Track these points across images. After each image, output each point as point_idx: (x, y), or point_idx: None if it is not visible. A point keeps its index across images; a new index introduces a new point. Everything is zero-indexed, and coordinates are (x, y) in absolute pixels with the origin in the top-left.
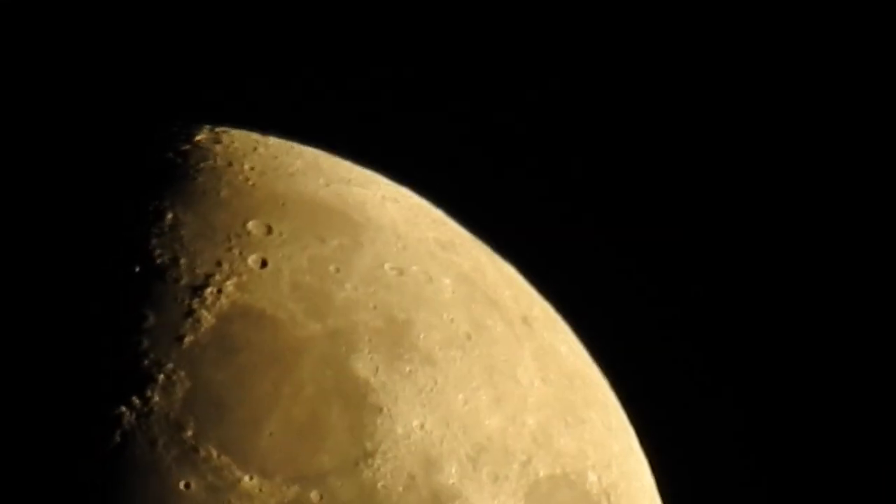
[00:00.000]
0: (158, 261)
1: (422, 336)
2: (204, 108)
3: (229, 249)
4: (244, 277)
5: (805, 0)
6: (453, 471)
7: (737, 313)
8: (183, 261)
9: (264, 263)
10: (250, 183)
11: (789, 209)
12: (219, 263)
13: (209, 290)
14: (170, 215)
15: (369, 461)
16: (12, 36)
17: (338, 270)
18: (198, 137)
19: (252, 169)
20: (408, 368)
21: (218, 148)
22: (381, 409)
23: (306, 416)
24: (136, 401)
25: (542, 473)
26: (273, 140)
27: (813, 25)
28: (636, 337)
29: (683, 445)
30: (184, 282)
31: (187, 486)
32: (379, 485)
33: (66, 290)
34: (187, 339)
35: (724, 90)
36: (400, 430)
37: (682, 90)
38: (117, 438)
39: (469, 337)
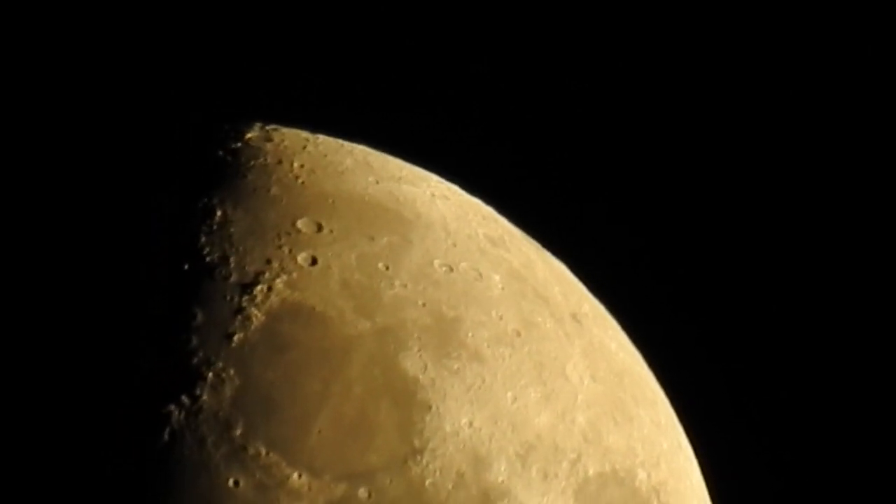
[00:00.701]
0: (208, 259)
1: (471, 333)
2: (255, 105)
3: (279, 247)
4: (294, 275)
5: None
6: (502, 468)
7: (792, 312)
8: (233, 259)
9: (314, 261)
10: (300, 181)
11: (842, 211)
12: (268, 261)
13: (259, 287)
14: (220, 213)
15: (418, 459)
16: (63, 33)
17: (387, 268)
18: (248, 135)
19: (302, 167)
20: (456, 366)
21: (268, 146)
22: (429, 407)
23: (355, 413)
24: (185, 399)
25: (591, 471)
26: (323, 138)
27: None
28: (685, 334)
29: (732, 443)
30: (233, 279)
31: (236, 483)
32: (427, 482)
33: (115, 288)
34: (237, 337)
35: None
36: (448, 428)
37: (739, 89)
38: (166, 437)
39: (518, 334)
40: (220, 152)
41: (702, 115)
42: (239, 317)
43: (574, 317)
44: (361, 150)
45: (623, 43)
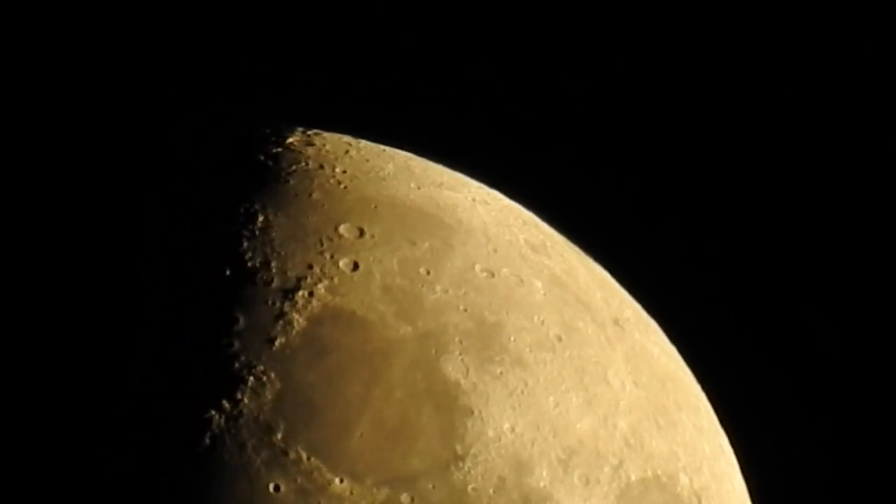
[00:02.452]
0: (249, 264)
1: (512, 338)
2: (297, 110)
3: (321, 252)
4: (335, 280)
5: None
6: (544, 474)
7: (833, 315)
8: (274, 263)
9: (356, 266)
10: (342, 186)
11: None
12: (310, 266)
13: (300, 293)
14: (261, 218)
15: (460, 464)
16: (101, 34)
17: (428, 273)
18: (290, 140)
19: (344, 172)
20: (498, 370)
21: (310, 150)
22: (471, 412)
23: (397, 418)
24: (225, 404)
25: (633, 476)
26: (365, 143)
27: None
28: (728, 338)
29: (775, 448)
30: (275, 284)
31: (277, 488)
32: (469, 487)
33: (157, 292)
34: (278, 342)
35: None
36: (490, 433)
37: (766, 91)
38: (207, 441)
39: (560, 339)
40: (262, 157)
41: (743, 115)
42: (280, 321)
43: (616, 322)
44: (403, 156)
45: (654, 41)
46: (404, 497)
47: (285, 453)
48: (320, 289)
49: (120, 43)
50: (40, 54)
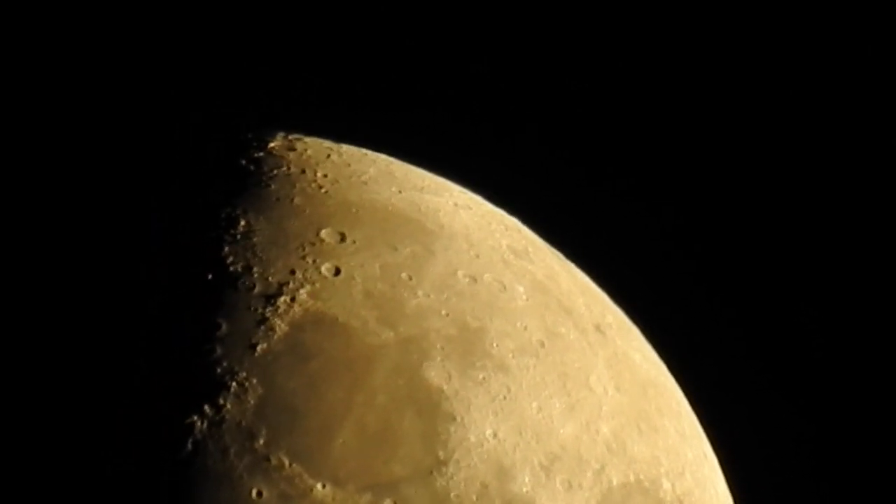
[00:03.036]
0: (231, 269)
1: (495, 344)
2: (277, 115)
3: (303, 257)
4: (317, 285)
5: None
6: (526, 479)
7: (812, 319)
8: (256, 269)
9: (337, 271)
10: (323, 190)
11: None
12: (292, 271)
13: (282, 298)
14: (242, 222)
15: (442, 469)
16: (85, 39)
17: (410, 278)
18: (271, 145)
19: (325, 176)
20: (481, 376)
21: (291, 155)
22: (454, 418)
23: (379, 423)
24: (208, 409)
25: (615, 481)
26: (346, 148)
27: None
28: (709, 344)
29: (757, 452)
30: (257, 290)
31: (259, 494)
32: (452, 494)
33: (138, 297)
34: (260, 347)
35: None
36: (473, 439)
37: (770, 98)
38: (189, 447)
39: (542, 345)
40: (243, 162)
41: (732, 122)
42: (262, 327)
43: (598, 328)
44: (384, 160)
45: (651, 44)
46: (387, 503)
47: (267, 459)
48: (302, 294)
49: (96, 52)
50: (38, 54)
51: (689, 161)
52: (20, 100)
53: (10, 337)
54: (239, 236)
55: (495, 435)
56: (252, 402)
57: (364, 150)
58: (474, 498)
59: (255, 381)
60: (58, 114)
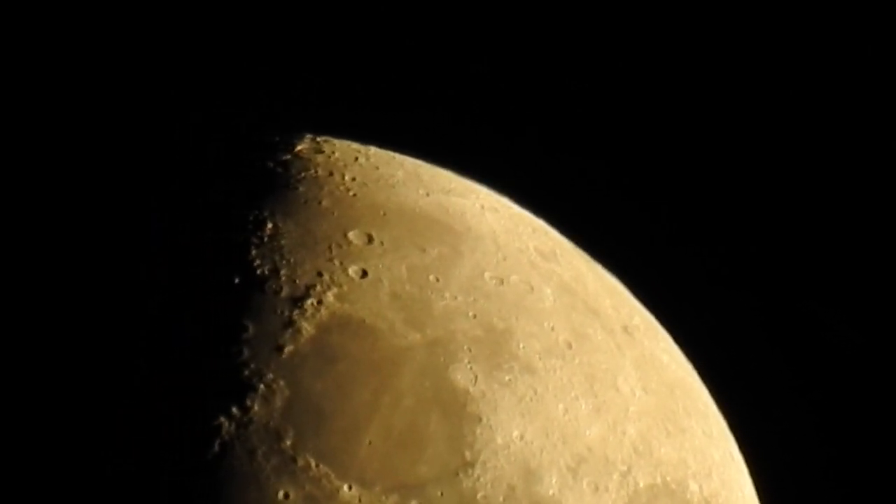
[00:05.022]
0: (258, 271)
1: (521, 345)
2: (305, 117)
3: (330, 260)
4: (344, 288)
5: None
6: (553, 481)
7: (843, 322)
8: (283, 271)
9: (364, 273)
10: (351, 193)
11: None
12: (319, 274)
13: (309, 300)
14: (270, 225)
15: (469, 471)
16: (110, 42)
17: (437, 280)
18: (299, 147)
19: (353, 179)
20: (507, 378)
21: (319, 158)
22: (480, 419)
23: (405, 425)
24: (235, 411)
25: (642, 483)
26: (374, 150)
27: None
28: (737, 345)
29: (784, 454)
30: (284, 292)
31: (286, 496)
32: (479, 495)
33: (166, 300)
34: (287, 349)
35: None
36: (500, 440)
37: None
38: (216, 448)
39: (569, 346)
40: (271, 164)
41: (765, 125)
42: (289, 329)
43: (625, 329)
44: (412, 163)
45: (664, 43)
46: None
47: (294, 460)
48: (329, 296)
49: (134, 45)
50: (68, 59)
51: (721, 163)
52: (42, 103)
53: (41, 337)
54: (266, 239)
55: (522, 437)
56: (279, 403)
57: (391, 153)
58: (501, 499)
59: (282, 382)
60: (78, 119)
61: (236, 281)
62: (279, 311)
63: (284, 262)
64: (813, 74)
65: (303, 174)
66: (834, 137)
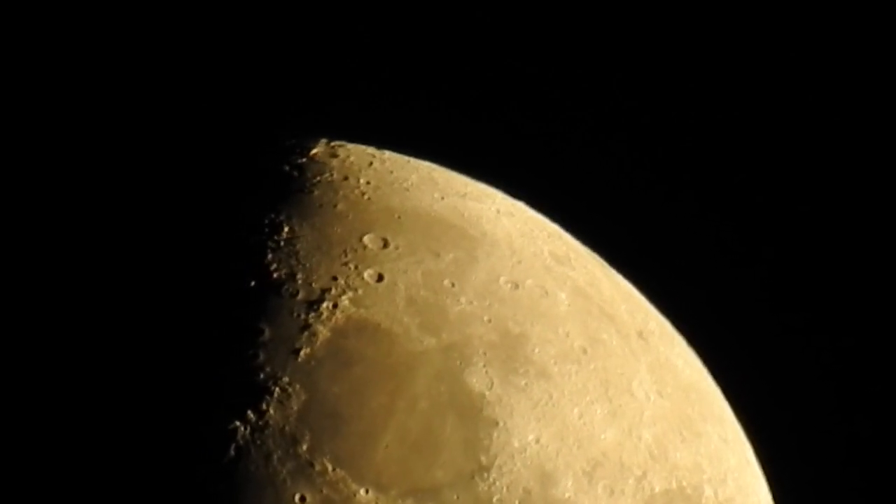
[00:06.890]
0: (275, 275)
1: (537, 350)
2: (320, 121)
3: (345, 264)
4: (360, 292)
5: None
6: (569, 485)
7: (856, 325)
8: (299, 275)
9: (380, 277)
10: (366, 197)
11: None
12: (335, 278)
13: (325, 304)
14: (286, 229)
15: (485, 475)
16: (131, 45)
17: (453, 284)
18: (314, 151)
19: (368, 183)
20: (523, 382)
21: (334, 162)
22: (496, 423)
23: (421, 429)
24: (251, 415)
25: (657, 488)
26: (389, 154)
27: None
28: (752, 350)
29: (800, 459)
30: (300, 296)
31: (302, 499)
32: (494, 499)
33: (181, 303)
34: (303, 353)
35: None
36: (515, 444)
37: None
38: (232, 452)
39: (584, 351)
40: (287, 168)
41: (778, 130)
42: (305, 333)
43: (640, 334)
44: (426, 167)
45: (685, 47)
46: None
47: (311, 464)
48: (345, 300)
49: (151, 49)
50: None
51: (740, 168)
52: (62, 105)
53: (55, 338)
54: (282, 242)
55: (538, 441)
56: (295, 407)
57: (406, 157)
58: (517, 503)
59: (298, 386)
60: (80, 121)
61: (252, 284)
62: (295, 315)
63: (300, 265)
64: (816, 76)
65: (318, 178)
66: (852, 143)
